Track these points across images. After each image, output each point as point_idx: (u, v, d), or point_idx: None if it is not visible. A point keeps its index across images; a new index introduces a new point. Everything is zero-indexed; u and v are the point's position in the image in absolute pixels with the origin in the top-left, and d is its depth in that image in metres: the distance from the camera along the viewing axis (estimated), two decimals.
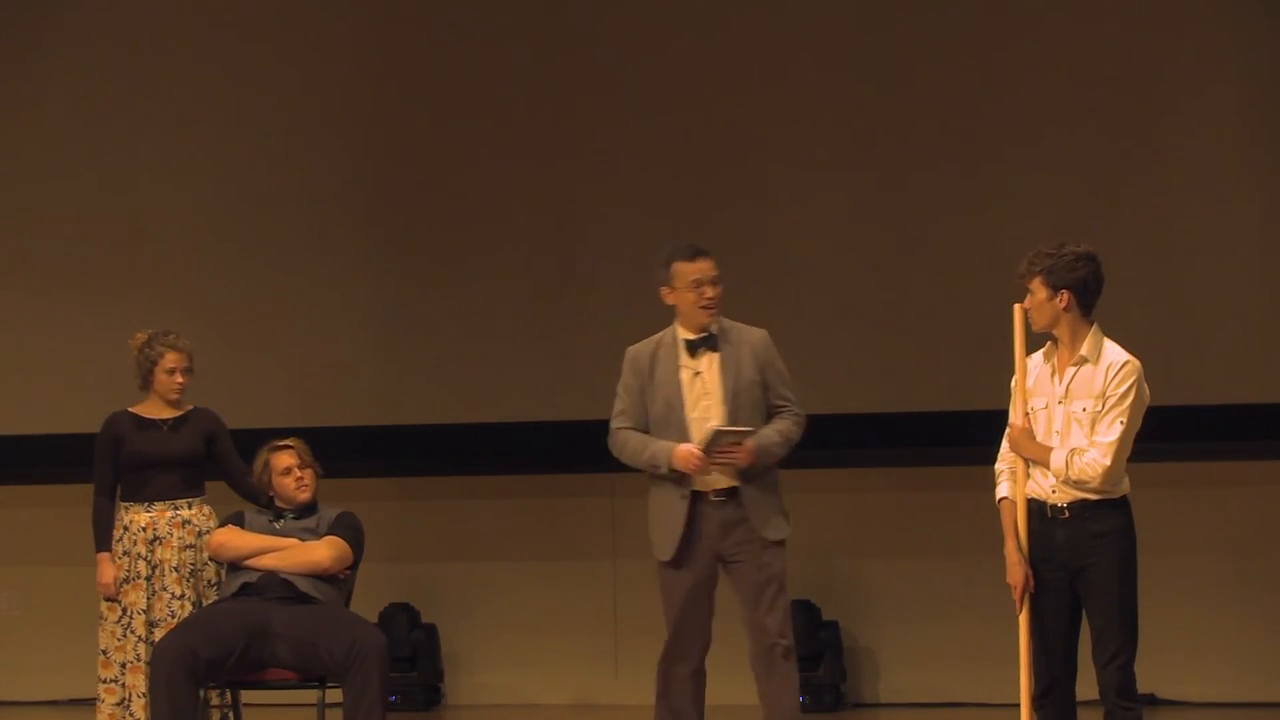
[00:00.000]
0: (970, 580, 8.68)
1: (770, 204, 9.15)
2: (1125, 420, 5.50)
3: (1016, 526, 5.65)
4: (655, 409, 6.29)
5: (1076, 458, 5.51)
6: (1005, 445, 5.75)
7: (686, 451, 6.13)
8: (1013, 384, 5.75)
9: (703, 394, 6.27)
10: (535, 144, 9.34)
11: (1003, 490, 5.72)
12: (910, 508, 9.17)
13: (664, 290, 6.31)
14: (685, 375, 6.28)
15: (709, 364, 6.28)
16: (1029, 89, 8.96)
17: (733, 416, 6.20)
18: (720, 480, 6.22)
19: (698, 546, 6.23)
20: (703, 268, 6.25)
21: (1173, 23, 8.89)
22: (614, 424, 6.36)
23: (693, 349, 6.29)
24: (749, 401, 6.25)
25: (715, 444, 6.13)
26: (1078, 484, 5.52)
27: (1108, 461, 5.48)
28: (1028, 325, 5.71)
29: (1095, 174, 8.86)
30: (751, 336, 6.35)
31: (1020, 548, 5.62)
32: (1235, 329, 8.74)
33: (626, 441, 6.30)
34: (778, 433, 6.25)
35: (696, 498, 6.23)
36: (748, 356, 6.28)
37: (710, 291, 6.24)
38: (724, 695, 8.68)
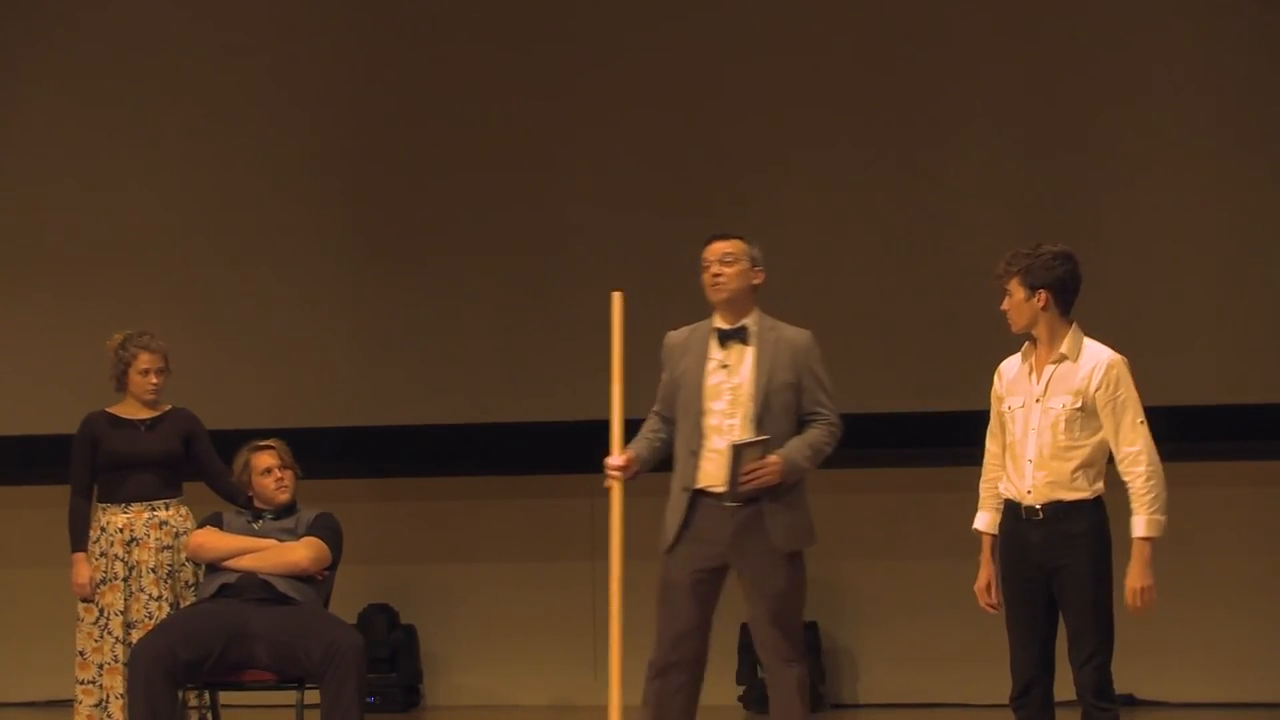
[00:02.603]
0: (949, 581, 8.63)
1: (754, 203, 9.15)
2: (1140, 419, 5.53)
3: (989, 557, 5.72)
4: (678, 399, 6.01)
5: (1141, 497, 5.50)
6: (987, 458, 5.75)
7: (607, 463, 5.96)
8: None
9: (726, 388, 5.95)
10: (516, 143, 9.33)
11: (980, 522, 5.75)
12: (889, 508, 9.18)
13: None
14: (711, 366, 5.98)
15: (739, 358, 5.98)
16: (1018, 86, 8.99)
17: (759, 419, 5.90)
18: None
19: (691, 546, 5.94)
20: (711, 249, 6.01)
21: (1161, 17, 8.93)
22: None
23: (723, 339, 6.00)
24: (780, 405, 5.93)
25: (740, 462, 5.81)
26: (1163, 494, 5.53)
27: (1147, 466, 5.49)
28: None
29: (1079, 172, 8.88)
30: (794, 336, 6.03)
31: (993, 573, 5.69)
32: (1226, 329, 8.76)
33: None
34: (808, 446, 5.93)
35: (700, 495, 5.93)
36: (785, 357, 5.96)
37: (714, 269, 5.98)
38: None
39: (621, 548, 5.98)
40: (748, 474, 5.82)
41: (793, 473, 5.90)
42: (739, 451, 5.83)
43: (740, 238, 6.07)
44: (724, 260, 6.00)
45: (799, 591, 6.01)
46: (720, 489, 5.89)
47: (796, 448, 5.92)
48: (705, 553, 5.95)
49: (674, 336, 6.12)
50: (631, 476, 6.03)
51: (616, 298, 6.00)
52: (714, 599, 6.04)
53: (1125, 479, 5.53)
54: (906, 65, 9.08)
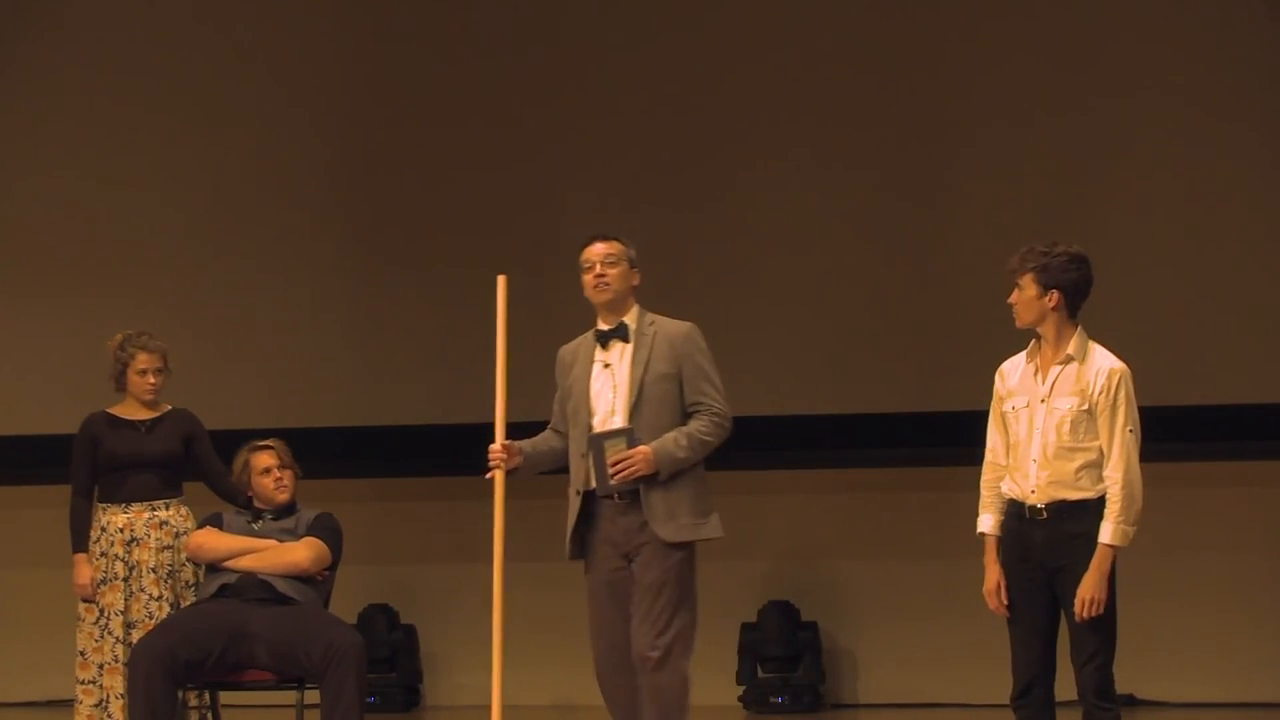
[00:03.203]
0: (949, 581, 8.69)
1: (748, 204, 9.17)
2: (1131, 429, 5.52)
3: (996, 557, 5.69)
4: (569, 407, 6.04)
5: (1112, 504, 5.49)
6: (988, 458, 5.75)
7: (490, 448, 6.06)
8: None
9: (610, 387, 5.95)
10: (513, 146, 9.34)
11: (984, 525, 5.74)
12: (889, 508, 9.19)
13: None
14: (596, 369, 6.00)
15: (620, 355, 5.97)
16: (1010, 85, 8.99)
17: (635, 411, 5.86)
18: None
19: (600, 549, 5.94)
20: (590, 251, 6.03)
21: (1160, 16, 8.93)
22: None
23: (603, 339, 6.01)
24: (656, 396, 5.88)
25: (601, 452, 5.81)
26: (1133, 506, 5.50)
27: (1124, 475, 5.48)
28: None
29: (1079, 171, 8.89)
30: (673, 329, 5.98)
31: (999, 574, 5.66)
32: (1226, 328, 8.76)
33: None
34: (684, 435, 5.85)
35: (591, 496, 5.91)
36: (663, 349, 5.93)
37: (597, 270, 5.98)
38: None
39: (503, 537, 6.09)
40: (614, 465, 5.80)
41: (667, 463, 5.82)
42: (599, 442, 5.82)
43: (618, 239, 6.06)
44: (606, 262, 6.00)
45: (681, 586, 5.86)
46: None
47: (672, 438, 5.84)
48: (610, 552, 5.92)
49: (565, 350, 6.17)
50: (513, 470, 6.10)
51: (501, 282, 6.10)
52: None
53: (1105, 485, 5.54)
54: (907, 65, 9.08)
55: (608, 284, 5.99)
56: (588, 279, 6.03)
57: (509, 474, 6.14)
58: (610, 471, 5.82)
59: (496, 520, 6.10)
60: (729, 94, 9.20)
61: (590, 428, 5.93)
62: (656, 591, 5.83)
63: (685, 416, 5.92)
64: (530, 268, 9.33)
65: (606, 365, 5.99)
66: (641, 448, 5.81)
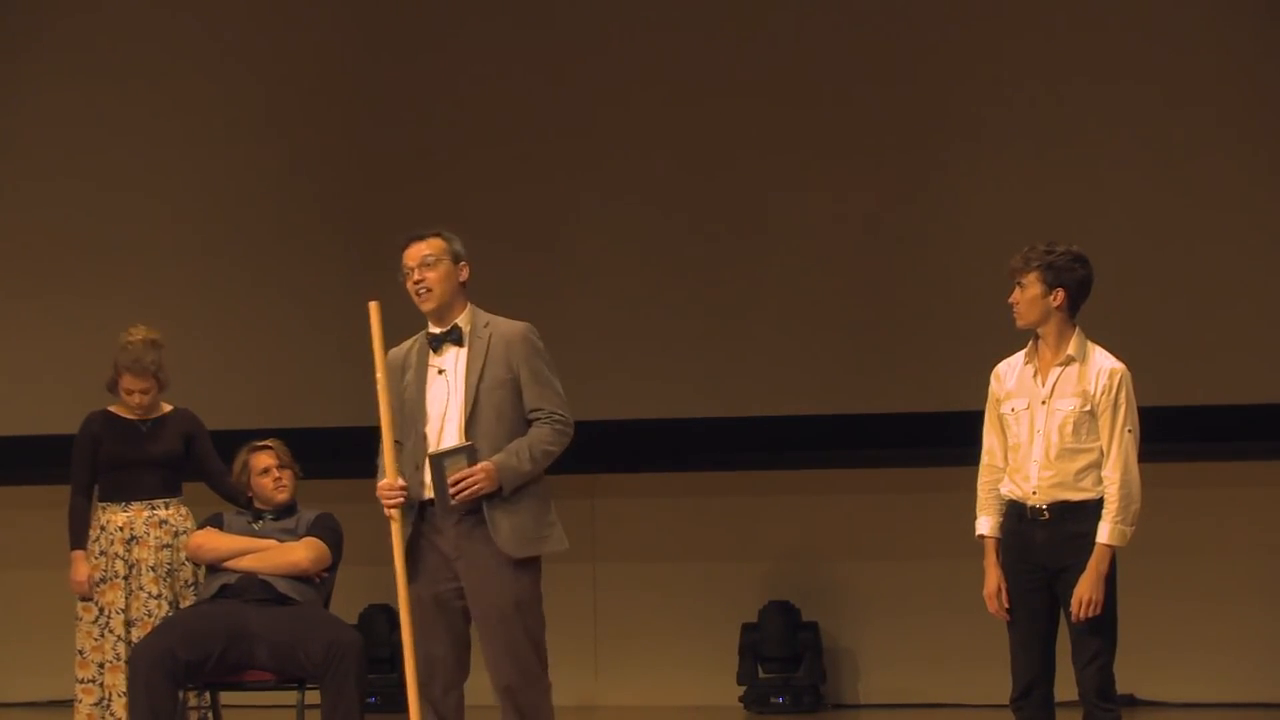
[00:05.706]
0: (949, 581, 8.69)
1: (744, 203, 9.16)
2: (1130, 429, 5.53)
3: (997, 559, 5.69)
4: (404, 416, 5.65)
5: (1110, 504, 5.49)
6: (985, 460, 5.75)
7: (381, 487, 5.58)
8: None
9: (445, 396, 5.63)
10: (513, 146, 9.33)
11: (983, 527, 5.73)
12: (890, 509, 9.19)
13: None
14: (430, 374, 5.67)
15: (455, 360, 5.66)
16: (1004, 84, 8.99)
17: (471, 421, 5.57)
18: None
19: (428, 560, 5.62)
20: (409, 253, 5.71)
21: (1164, 14, 8.94)
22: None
23: (435, 344, 5.69)
24: (493, 404, 5.59)
25: (441, 473, 5.51)
26: (1131, 505, 5.50)
27: (1122, 475, 5.49)
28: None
29: (1075, 170, 8.88)
30: (509, 330, 5.69)
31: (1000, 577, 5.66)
32: (1226, 328, 8.75)
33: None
34: (527, 447, 5.57)
35: (426, 507, 5.61)
36: (499, 354, 5.64)
37: (415, 276, 5.67)
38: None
39: (405, 578, 5.64)
40: (454, 484, 5.51)
41: (510, 477, 5.55)
42: (438, 462, 5.53)
43: (438, 235, 5.77)
44: (425, 264, 5.70)
45: (534, 610, 5.68)
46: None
47: (514, 450, 5.57)
48: (439, 563, 5.64)
49: (395, 354, 5.77)
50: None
51: (373, 308, 5.69)
52: (466, 617, 5.71)
53: (1104, 485, 5.54)
54: (901, 62, 9.07)
55: (429, 289, 5.69)
56: (408, 286, 5.70)
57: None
58: (450, 491, 5.52)
59: (398, 559, 5.64)
60: (724, 92, 9.18)
61: (425, 438, 5.62)
62: (510, 618, 5.62)
63: (525, 423, 5.66)
64: (531, 267, 9.34)
65: (441, 371, 5.66)
66: (484, 464, 5.53)
